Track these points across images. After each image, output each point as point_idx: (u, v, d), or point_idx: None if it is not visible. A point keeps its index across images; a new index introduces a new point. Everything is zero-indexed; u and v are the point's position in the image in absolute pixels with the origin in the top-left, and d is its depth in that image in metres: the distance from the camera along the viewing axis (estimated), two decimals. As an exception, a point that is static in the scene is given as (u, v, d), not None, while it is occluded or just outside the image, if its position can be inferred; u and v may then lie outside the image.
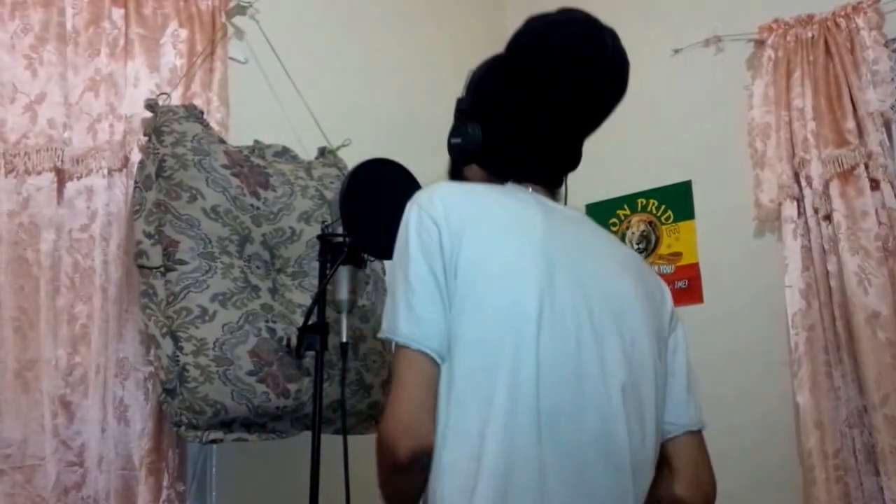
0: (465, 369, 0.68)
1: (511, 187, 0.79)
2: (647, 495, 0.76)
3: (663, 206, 1.83)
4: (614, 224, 1.90)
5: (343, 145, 1.51)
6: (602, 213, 1.89)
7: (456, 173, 0.84)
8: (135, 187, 1.20)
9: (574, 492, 0.68)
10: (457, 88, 0.86)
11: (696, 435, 0.83)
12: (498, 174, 0.80)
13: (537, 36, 0.77)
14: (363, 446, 1.18)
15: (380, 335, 0.72)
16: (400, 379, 0.68)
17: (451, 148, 0.82)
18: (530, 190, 0.79)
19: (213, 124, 1.33)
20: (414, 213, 0.72)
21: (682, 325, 0.87)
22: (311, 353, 1.08)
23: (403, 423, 0.67)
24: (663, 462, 0.80)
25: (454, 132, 0.82)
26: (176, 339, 1.08)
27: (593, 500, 0.69)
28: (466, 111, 0.82)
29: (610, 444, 0.71)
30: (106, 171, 1.25)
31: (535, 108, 0.77)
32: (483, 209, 0.73)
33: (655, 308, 0.82)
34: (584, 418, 0.70)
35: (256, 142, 1.38)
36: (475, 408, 0.67)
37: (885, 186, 1.49)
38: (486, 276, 0.70)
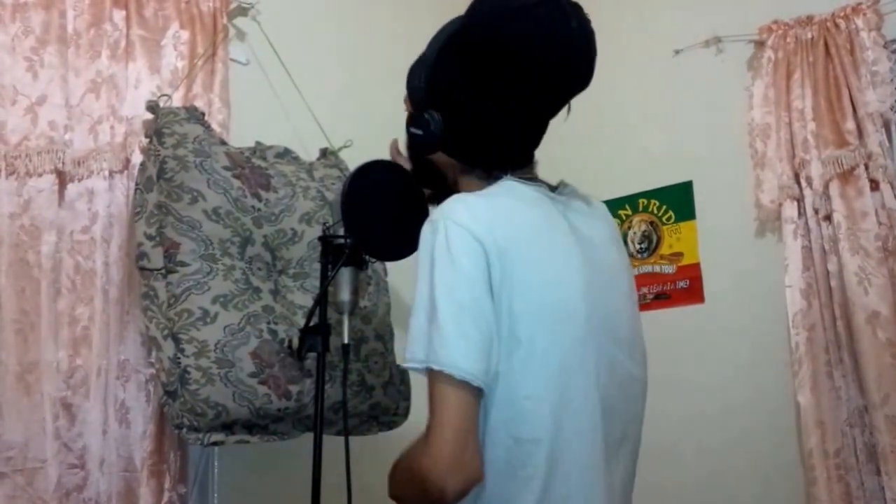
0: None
1: (518, 188, 0.75)
2: None
3: (664, 207, 1.83)
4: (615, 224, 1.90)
5: (345, 146, 1.51)
6: (603, 213, 1.89)
7: (420, 162, 0.81)
8: (136, 189, 1.20)
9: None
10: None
11: None
12: (468, 161, 0.77)
13: (501, 21, 0.72)
14: (365, 448, 1.18)
15: (413, 364, 0.65)
16: (444, 410, 0.63)
17: (413, 139, 0.78)
18: (525, 179, 0.76)
19: (214, 126, 1.33)
20: (455, 231, 0.66)
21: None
22: (313, 354, 1.08)
23: (453, 459, 0.62)
24: None
25: (414, 122, 0.77)
26: (177, 341, 1.08)
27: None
28: (424, 98, 0.77)
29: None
30: (107, 173, 1.24)
31: (500, 97, 0.74)
32: (517, 225, 0.69)
33: (627, 273, 0.83)
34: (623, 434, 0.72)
35: (258, 143, 1.38)
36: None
37: (884, 187, 1.50)
38: (540, 301, 0.66)
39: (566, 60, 0.74)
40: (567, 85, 0.76)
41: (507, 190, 0.75)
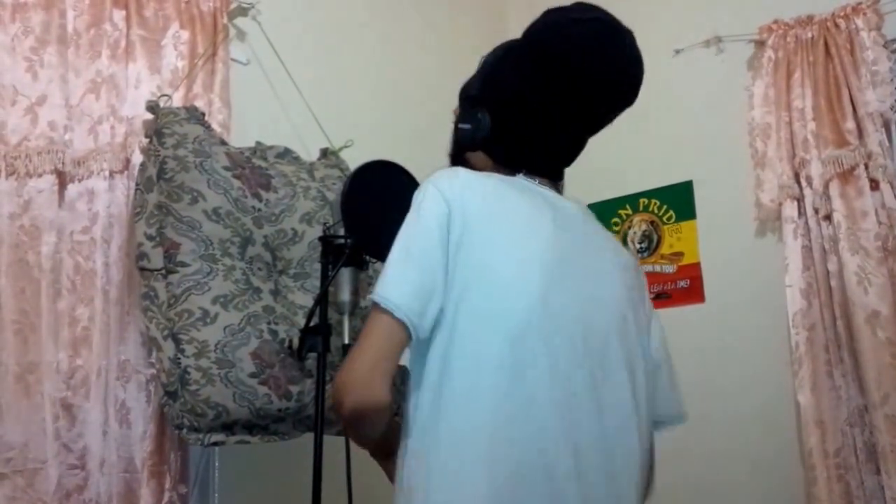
0: (460, 368, 0.68)
1: (521, 181, 0.78)
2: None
3: (665, 206, 1.83)
4: (616, 224, 1.90)
5: (345, 146, 1.51)
6: (604, 212, 1.89)
7: (458, 159, 0.84)
8: (136, 189, 1.20)
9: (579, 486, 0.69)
10: (458, 90, 0.85)
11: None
12: (506, 164, 0.80)
13: (557, 32, 0.77)
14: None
15: (369, 297, 0.71)
16: (368, 334, 0.69)
17: (461, 133, 0.81)
18: (537, 183, 0.79)
19: (214, 126, 1.33)
20: (431, 192, 0.72)
21: (657, 317, 0.89)
22: (313, 354, 1.08)
23: (360, 377, 0.67)
24: None
25: (464, 118, 0.81)
26: (177, 342, 1.08)
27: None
28: (477, 97, 0.81)
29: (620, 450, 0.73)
30: (107, 173, 1.24)
31: (548, 104, 0.77)
32: (496, 208, 0.73)
33: (640, 303, 0.84)
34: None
35: (258, 143, 1.38)
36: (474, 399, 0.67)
37: (884, 186, 1.50)
38: (490, 279, 0.70)
39: (614, 76, 0.78)
40: (612, 101, 0.80)
41: (508, 179, 0.78)
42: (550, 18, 0.78)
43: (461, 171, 0.74)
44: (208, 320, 1.09)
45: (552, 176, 0.82)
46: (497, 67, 0.81)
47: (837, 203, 1.52)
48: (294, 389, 1.13)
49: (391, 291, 0.69)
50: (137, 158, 1.25)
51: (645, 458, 0.78)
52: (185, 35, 1.36)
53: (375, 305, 0.69)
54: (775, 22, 1.66)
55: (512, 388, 0.67)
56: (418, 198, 0.73)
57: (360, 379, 0.68)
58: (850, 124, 1.53)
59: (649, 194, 1.85)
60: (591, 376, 0.71)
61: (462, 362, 0.68)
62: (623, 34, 0.78)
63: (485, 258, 0.70)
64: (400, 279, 0.69)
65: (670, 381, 0.85)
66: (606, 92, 0.78)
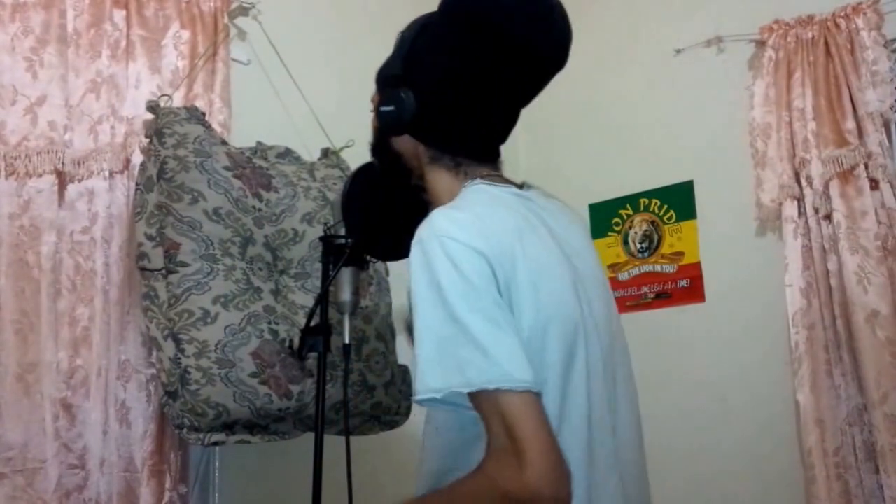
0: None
1: (480, 189, 0.72)
2: None
3: (665, 206, 1.83)
4: (617, 224, 1.90)
5: (346, 146, 1.50)
6: (605, 212, 1.89)
7: (383, 145, 0.79)
8: (136, 189, 1.20)
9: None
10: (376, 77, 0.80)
11: None
12: (436, 145, 0.74)
13: (478, 9, 0.72)
14: (366, 448, 1.18)
15: (428, 389, 0.61)
16: (524, 422, 0.59)
17: (382, 116, 0.75)
18: (496, 181, 0.73)
19: (215, 126, 1.33)
20: (455, 247, 0.63)
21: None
22: (314, 354, 1.08)
23: (557, 472, 0.59)
24: None
25: (386, 100, 0.74)
26: (178, 342, 1.08)
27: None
28: (398, 76, 0.74)
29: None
30: (107, 173, 1.24)
31: (476, 75, 0.72)
32: (504, 232, 0.67)
33: (604, 275, 0.81)
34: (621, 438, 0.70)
35: (259, 143, 1.38)
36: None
37: (884, 186, 1.50)
38: (548, 320, 0.64)
39: (543, 36, 0.72)
40: (543, 65, 0.74)
41: (481, 196, 0.72)
42: None
43: (458, 215, 0.67)
44: (209, 320, 1.09)
45: (491, 157, 0.76)
46: (417, 43, 0.75)
47: (837, 203, 1.52)
48: (295, 389, 1.13)
49: (513, 370, 0.59)
50: (137, 158, 1.25)
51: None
52: (186, 35, 1.36)
53: (498, 394, 0.59)
54: (776, 22, 1.66)
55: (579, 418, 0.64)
56: (439, 256, 0.63)
57: (563, 466, 0.59)
58: (850, 124, 1.53)
59: (650, 194, 1.85)
60: (609, 397, 0.69)
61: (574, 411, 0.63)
62: (553, 9, 0.73)
63: (531, 298, 0.64)
64: (508, 353, 0.60)
65: None
66: (537, 55, 0.72)
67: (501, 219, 0.69)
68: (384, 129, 0.77)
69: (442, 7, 0.76)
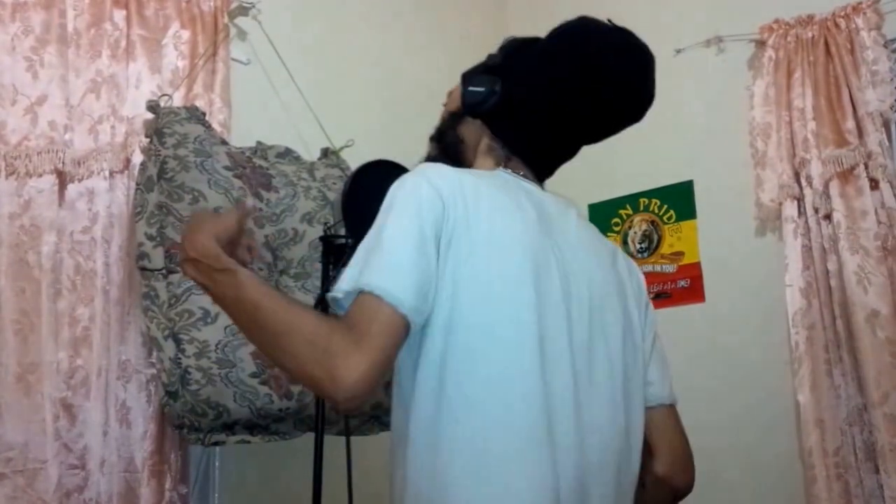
0: (463, 356, 0.64)
1: (502, 175, 0.76)
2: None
3: (665, 206, 1.83)
4: (617, 224, 1.91)
5: (346, 146, 1.51)
6: (605, 212, 1.90)
7: (452, 129, 0.81)
8: (136, 189, 1.20)
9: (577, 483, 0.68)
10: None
11: (671, 409, 0.84)
12: (502, 139, 0.78)
13: (590, 32, 0.78)
14: (366, 447, 1.18)
15: (338, 288, 0.63)
16: (375, 325, 0.61)
17: (469, 94, 0.77)
18: (521, 176, 0.77)
19: (215, 125, 1.33)
20: (423, 183, 0.67)
21: (652, 308, 0.89)
22: (315, 354, 1.08)
23: (369, 378, 0.59)
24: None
25: (476, 81, 0.78)
26: (178, 342, 1.08)
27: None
28: (493, 66, 0.79)
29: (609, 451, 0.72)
30: (107, 173, 1.24)
31: (562, 96, 0.76)
32: (484, 205, 0.70)
33: (632, 297, 0.83)
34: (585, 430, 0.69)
35: (259, 143, 1.38)
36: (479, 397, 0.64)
37: (884, 186, 1.50)
38: (483, 283, 0.66)
39: (633, 88, 0.78)
40: (623, 113, 0.80)
41: (488, 174, 0.76)
42: (585, 28, 0.79)
43: (446, 168, 0.71)
44: (209, 320, 1.09)
45: (538, 172, 0.80)
46: (522, 49, 0.80)
47: (837, 202, 1.52)
48: (295, 389, 1.13)
49: (391, 282, 0.62)
50: (138, 158, 1.25)
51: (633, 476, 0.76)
52: (186, 35, 1.36)
53: (369, 295, 0.61)
54: (776, 21, 1.66)
55: (509, 399, 0.65)
56: (408, 187, 0.67)
57: (366, 382, 0.60)
58: (850, 124, 1.53)
59: (649, 194, 1.85)
60: (576, 388, 0.69)
61: (463, 376, 0.64)
62: (648, 55, 0.80)
63: (475, 260, 0.66)
64: (398, 269, 0.63)
65: (661, 368, 0.84)
66: (621, 102, 0.78)
67: (484, 184, 0.72)
68: (465, 108, 0.79)
69: (555, 32, 0.80)
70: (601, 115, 0.79)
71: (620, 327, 0.78)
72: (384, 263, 0.63)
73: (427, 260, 0.65)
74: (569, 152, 0.81)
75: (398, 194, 0.68)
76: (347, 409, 0.64)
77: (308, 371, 0.61)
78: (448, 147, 0.83)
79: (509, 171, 0.77)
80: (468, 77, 0.79)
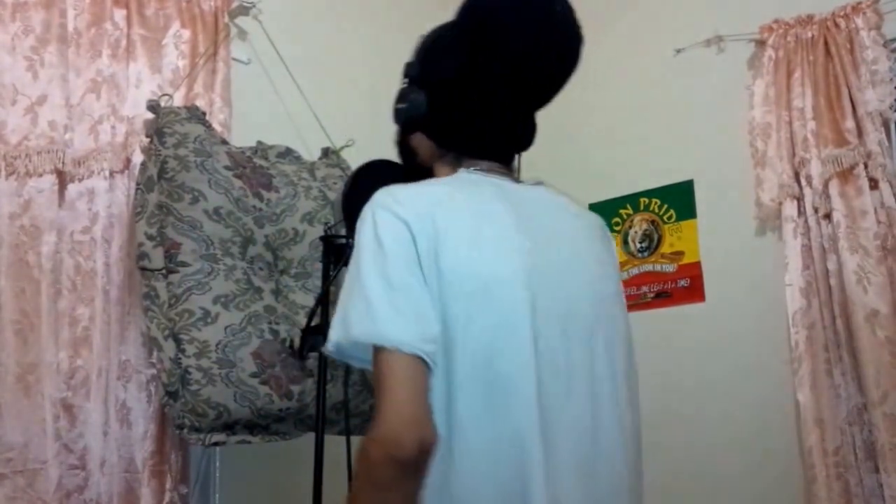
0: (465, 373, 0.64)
1: (464, 176, 0.75)
2: None
3: (665, 206, 1.83)
4: (617, 223, 1.91)
5: (346, 146, 1.51)
6: (605, 212, 1.89)
7: (403, 143, 0.82)
8: (136, 189, 1.20)
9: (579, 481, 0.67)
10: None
11: None
12: (446, 144, 0.77)
13: (489, 6, 0.76)
14: (367, 447, 1.18)
15: (338, 338, 0.63)
16: (390, 384, 0.61)
17: (397, 113, 0.79)
18: (484, 172, 0.75)
19: (215, 125, 1.33)
20: (380, 215, 0.67)
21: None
22: (314, 354, 1.08)
23: (405, 417, 0.60)
24: None
25: (399, 97, 0.80)
26: (178, 342, 1.08)
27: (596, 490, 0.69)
28: (414, 77, 0.79)
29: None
30: (107, 173, 1.24)
31: (484, 79, 0.75)
32: (450, 213, 0.69)
33: (610, 272, 0.81)
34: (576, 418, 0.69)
35: (259, 143, 1.38)
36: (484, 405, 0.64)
37: (883, 186, 1.50)
38: (468, 290, 0.66)
39: (550, 42, 0.75)
40: (551, 70, 0.77)
41: (452, 181, 0.75)
42: None
43: (398, 188, 0.70)
44: (209, 320, 1.09)
45: (501, 159, 0.78)
46: (431, 47, 0.80)
47: (837, 202, 1.52)
48: (295, 389, 1.13)
49: (390, 330, 0.62)
50: (138, 158, 1.25)
51: (635, 479, 0.75)
52: (186, 34, 1.36)
53: (379, 352, 0.62)
54: (776, 21, 1.66)
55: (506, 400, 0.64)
56: (368, 226, 0.67)
57: (416, 416, 0.60)
58: (849, 123, 1.53)
59: (650, 194, 1.86)
60: (568, 390, 0.69)
61: (471, 382, 0.64)
62: (555, 6, 0.76)
63: (458, 267, 0.66)
64: (392, 314, 0.63)
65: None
66: (544, 61, 0.75)
67: (446, 190, 0.71)
68: (400, 126, 0.81)
69: (457, 13, 0.79)
70: (530, 77, 0.76)
71: (616, 312, 0.77)
72: (376, 314, 0.63)
73: (410, 292, 0.64)
74: (521, 129, 0.79)
75: (362, 234, 0.67)
76: (415, 450, 0.61)
77: (373, 457, 0.61)
78: (406, 160, 0.84)
79: (471, 169, 0.76)
80: (397, 95, 0.80)
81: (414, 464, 0.61)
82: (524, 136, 0.79)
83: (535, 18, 0.74)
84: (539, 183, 0.80)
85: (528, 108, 0.79)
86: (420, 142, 0.80)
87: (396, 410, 0.61)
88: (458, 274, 0.66)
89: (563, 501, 0.65)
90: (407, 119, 0.79)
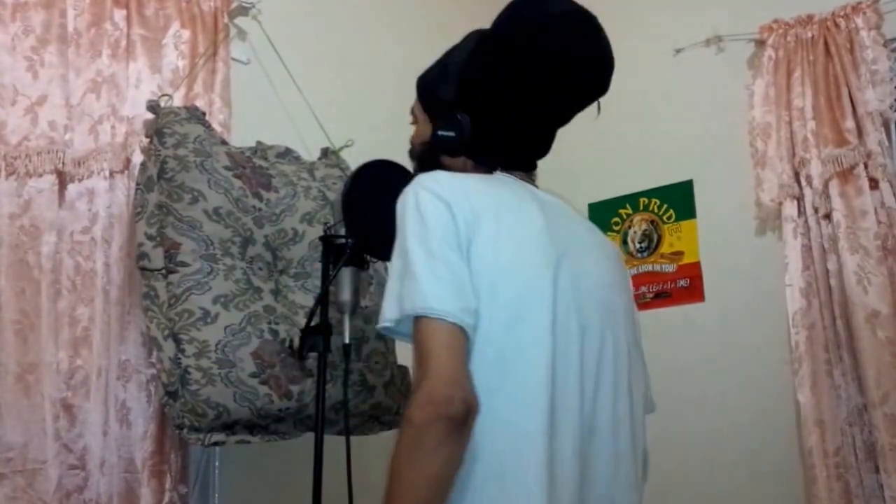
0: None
1: (500, 177, 0.79)
2: None
3: (665, 206, 1.83)
4: (616, 223, 1.91)
5: (346, 146, 1.51)
6: (604, 212, 1.90)
7: (432, 156, 0.83)
8: (136, 189, 1.20)
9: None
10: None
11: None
12: (485, 161, 0.80)
13: (527, 24, 0.77)
14: (366, 448, 1.18)
15: (386, 318, 0.66)
16: (435, 349, 0.63)
17: (442, 140, 0.80)
18: (515, 178, 0.80)
19: (215, 125, 1.33)
20: (424, 195, 0.69)
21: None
22: (314, 354, 1.08)
23: (450, 377, 0.62)
24: None
25: (446, 125, 0.80)
26: (178, 342, 1.08)
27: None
28: (452, 101, 0.80)
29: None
30: (107, 173, 1.24)
31: (523, 100, 0.78)
32: (487, 203, 0.72)
33: (628, 293, 0.84)
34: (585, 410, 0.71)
35: (259, 143, 1.38)
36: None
37: (883, 185, 1.50)
38: (501, 276, 0.68)
39: (587, 65, 0.78)
40: (584, 91, 0.81)
41: (490, 178, 0.78)
42: (519, 11, 0.78)
43: (442, 174, 0.74)
44: (209, 320, 1.09)
45: (527, 168, 0.82)
46: (468, 67, 0.81)
47: (837, 202, 1.52)
48: (295, 389, 1.13)
49: (432, 300, 0.65)
50: (138, 158, 1.25)
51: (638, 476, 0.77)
52: (186, 34, 1.36)
53: (420, 320, 0.65)
54: (775, 21, 1.66)
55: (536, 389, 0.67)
56: (410, 204, 0.70)
57: (458, 376, 0.62)
58: (849, 123, 1.54)
59: (649, 194, 1.86)
60: (582, 391, 0.71)
61: (515, 366, 0.66)
62: (592, 22, 0.79)
63: (495, 256, 0.68)
64: (434, 284, 0.65)
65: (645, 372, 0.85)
66: (579, 83, 0.79)
67: (485, 185, 0.74)
68: (442, 152, 0.82)
69: (494, 29, 0.81)
70: (569, 100, 0.80)
71: (631, 326, 0.79)
72: (419, 284, 0.66)
73: (451, 264, 0.67)
74: (547, 143, 0.83)
75: (405, 210, 0.70)
76: (463, 408, 0.62)
77: (421, 416, 0.62)
78: (428, 169, 0.83)
79: (504, 173, 0.80)
80: (434, 121, 0.81)
81: (463, 421, 0.63)
82: (548, 147, 0.84)
83: (580, 41, 0.78)
84: (550, 191, 0.83)
85: (558, 124, 0.83)
86: (456, 161, 0.82)
87: (443, 372, 0.63)
88: (485, 263, 0.68)
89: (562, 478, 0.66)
90: (455, 146, 0.80)
